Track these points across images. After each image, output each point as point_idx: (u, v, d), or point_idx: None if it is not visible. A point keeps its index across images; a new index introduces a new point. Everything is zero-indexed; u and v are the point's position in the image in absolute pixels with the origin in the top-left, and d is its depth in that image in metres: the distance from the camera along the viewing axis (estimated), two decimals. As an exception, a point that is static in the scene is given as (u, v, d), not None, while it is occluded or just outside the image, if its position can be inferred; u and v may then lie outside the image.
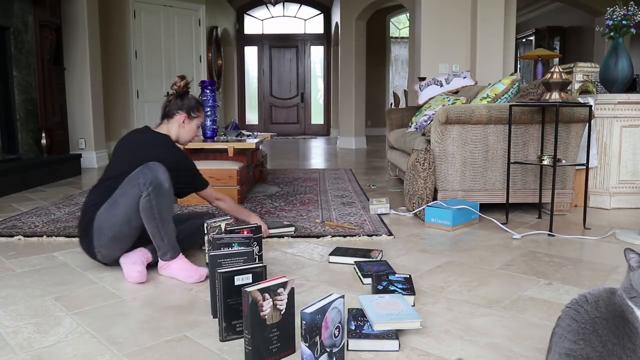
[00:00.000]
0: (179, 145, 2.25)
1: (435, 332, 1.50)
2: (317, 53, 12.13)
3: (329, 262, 2.16)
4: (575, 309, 0.99)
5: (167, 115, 2.21)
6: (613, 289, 1.00)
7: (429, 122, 3.84)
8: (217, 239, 1.83)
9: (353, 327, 1.44)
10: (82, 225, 1.98)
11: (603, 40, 7.46)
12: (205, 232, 2.10)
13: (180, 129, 2.21)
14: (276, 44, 12.06)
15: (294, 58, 12.12)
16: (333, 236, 2.58)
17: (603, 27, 3.36)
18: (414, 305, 1.68)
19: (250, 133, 4.35)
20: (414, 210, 3.04)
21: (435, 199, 3.08)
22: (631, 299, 0.94)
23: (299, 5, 11.90)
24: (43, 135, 4.86)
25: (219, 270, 1.44)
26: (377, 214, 3.10)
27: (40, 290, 1.85)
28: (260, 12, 11.92)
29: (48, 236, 2.59)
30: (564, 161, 2.93)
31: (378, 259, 2.16)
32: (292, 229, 2.65)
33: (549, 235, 2.63)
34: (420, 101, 4.54)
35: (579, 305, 0.99)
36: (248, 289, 1.27)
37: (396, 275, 1.83)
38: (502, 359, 1.34)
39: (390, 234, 2.63)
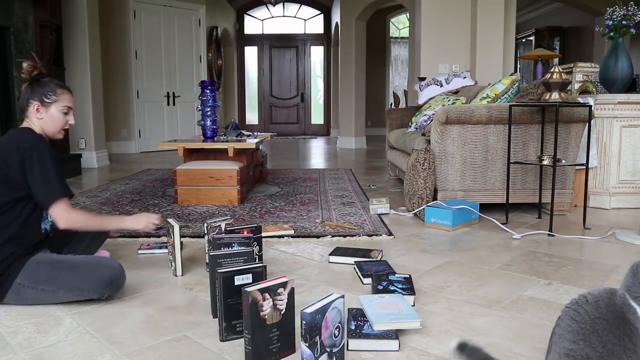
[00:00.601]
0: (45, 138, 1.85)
1: (435, 332, 1.50)
2: (317, 53, 12.13)
3: (329, 262, 2.16)
4: (575, 309, 0.99)
5: (21, 109, 1.84)
6: (613, 289, 0.99)
7: (429, 122, 3.84)
8: (217, 239, 1.83)
9: (353, 327, 1.44)
10: None
11: (603, 40, 7.46)
12: (206, 232, 2.10)
13: (39, 120, 1.82)
14: (276, 44, 12.06)
15: (294, 58, 12.12)
16: (333, 236, 2.58)
17: (603, 27, 3.36)
18: (413, 305, 1.68)
19: (250, 133, 4.35)
20: (414, 210, 3.04)
21: (435, 199, 3.08)
22: (635, 298, 0.94)
23: (299, 5, 11.90)
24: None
25: (219, 270, 1.44)
26: (377, 214, 3.10)
27: (41, 290, 1.85)
28: (260, 12, 11.91)
29: (48, 236, 2.59)
30: (563, 161, 2.93)
31: (378, 259, 2.16)
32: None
33: (549, 235, 2.63)
34: (420, 101, 4.54)
35: (578, 305, 0.99)
36: (248, 289, 1.27)
37: (396, 275, 1.84)
38: (502, 359, 1.34)
39: (390, 234, 2.63)
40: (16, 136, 1.76)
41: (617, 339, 0.93)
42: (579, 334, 0.96)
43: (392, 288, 1.73)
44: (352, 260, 2.13)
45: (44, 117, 1.82)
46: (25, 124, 1.83)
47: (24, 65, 1.80)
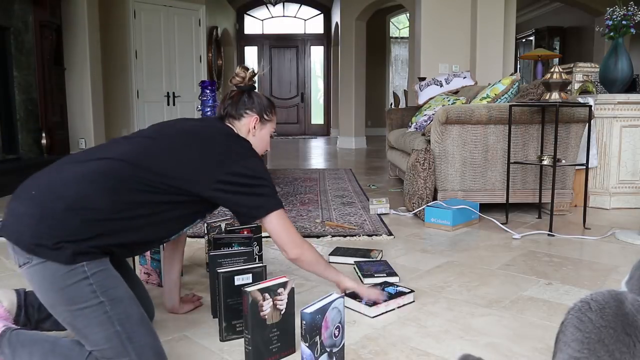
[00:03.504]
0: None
1: (435, 332, 1.50)
2: (317, 53, 12.13)
3: (329, 262, 2.16)
4: (578, 317, 0.95)
5: (231, 115, 1.54)
6: (619, 294, 0.95)
7: (429, 122, 3.84)
8: (217, 239, 1.83)
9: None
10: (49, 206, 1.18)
11: (603, 40, 7.46)
12: (206, 232, 2.10)
13: (250, 135, 1.55)
14: (276, 44, 12.06)
15: (294, 58, 12.12)
16: (333, 236, 2.58)
17: (603, 27, 3.36)
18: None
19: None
20: (414, 210, 3.04)
21: (435, 199, 3.08)
22: None
23: (299, 5, 11.90)
24: (43, 135, 4.87)
25: (219, 270, 1.44)
26: (377, 214, 3.10)
27: (41, 290, 1.85)
28: (260, 12, 11.91)
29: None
30: (563, 161, 2.93)
31: (378, 258, 2.16)
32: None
33: (548, 235, 2.63)
34: (420, 101, 4.54)
35: (581, 313, 0.95)
36: (248, 289, 1.27)
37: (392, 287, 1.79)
38: (502, 359, 1.34)
39: (390, 234, 2.63)
40: (233, 138, 1.44)
41: (627, 347, 0.90)
42: (583, 344, 0.93)
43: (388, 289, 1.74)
44: (352, 260, 2.13)
45: (256, 135, 1.56)
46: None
47: (239, 70, 1.60)
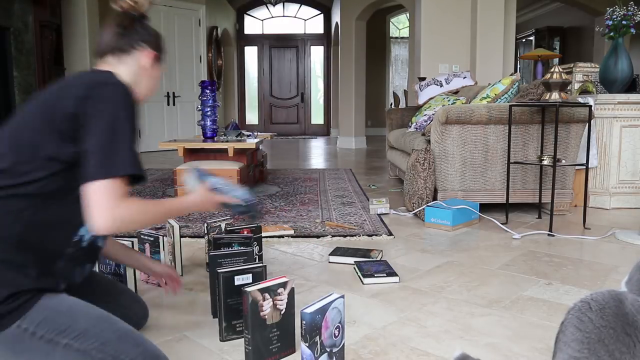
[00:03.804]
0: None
1: (435, 332, 1.50)
2: (317, 53, 12.13)
3: (329, 262, 2.16)
4: (578, 317, 0.96)
5: (118, 48, 1.23)
6: (620, 294, 0.95)
7: (429, 122, 3.84)
8: (217, 239, 1.84)
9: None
10: None
11: (603, 40, 7.46)
12: (206, 232, 2.10)
13: (141, 74, 1.26)
14: (276, 44, 12.06)
15: (294, 58, 12.12)
16: (333, 236, 2.58)
17: (603, 27, 3.36)
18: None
19: (250, 133, 4.35)
20: (414, 210, 3.04)
21: (435, 199, 3.08)
22: None
23: (299, 5, 11.90)
24: (43, 135, 4.87)
25: (219, 270, 1.44)
26: (377, 214, 3.10)
27: (41, 290, 1.85)
28: (260, 12, 11.91)
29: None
30: (563, 161, 2.93)
31: (378, 258, 2.16)
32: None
33: (548, 235, 2.63)
34: (420, 101, 4.54)
35: (581, 313, 0.96)
36: (248, 289, 1.27)
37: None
38: (502, 359, 1.34)
39: (390, 234, 2.63)
40: (91, 75, 1.14)
41: (627, 347, 0.90)
42: (583, 343, 0.93)
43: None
44: (352, 260, 2.13)
45: (149, 74, 1.28)
46: (106, 68, 1.23)
47: None
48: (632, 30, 3.23)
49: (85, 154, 1.04)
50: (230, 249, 1.80)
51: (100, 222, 1.03)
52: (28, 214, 1.04)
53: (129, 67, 1.24)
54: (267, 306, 1.29)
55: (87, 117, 1.05)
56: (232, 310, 1.44)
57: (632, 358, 0.90)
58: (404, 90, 8.47)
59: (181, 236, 2.19)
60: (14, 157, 1.05)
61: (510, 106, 2.87)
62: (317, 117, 12.32)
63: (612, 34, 3.30)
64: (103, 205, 1.03)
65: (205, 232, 2.10)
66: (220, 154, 3.67)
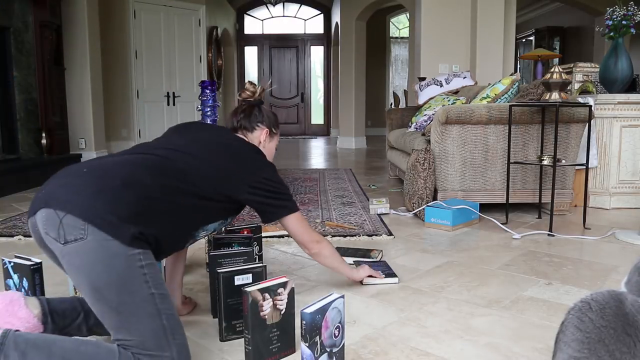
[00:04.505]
0: None
1: (435, 332, 1.50)
2: (317, 53, 12.13)
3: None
4: (578, 317, 0.96)
5: (244, 127, 1.66)
6: (620, 295, 0.95)
7: (429, 122, 3.84)
8: (217, 239, 1.83)
9: None
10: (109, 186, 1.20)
11: (603, 40, 7.46)
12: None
13: (260, 147, 1.65)
14: (276, 44, 12.06)
15: (294, 58, 12.12)
16: (333, 236, 2.58)
17: (603, 27, 3.36)
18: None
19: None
20: (414, 210, 3.04)
21: (435, 199, 3.08)
22: None
23: (299, 5, 11.90)
24: (43, 135, 4.87)
25: (219, 270, 1.44)
26: (377, 214, 3.10)
27: (41, 290, 1.85)
28: (260, 12, 11.91)
29: (48, 236, 2.59)
30: (563, 161, 2.93)
31: (378, 258, 2.16)
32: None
33: (548, 235, 2.63)
34: (420, 101, 4.54)
35: (582, 313, 0.96)
36: (248, 289, 1.27)
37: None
38: (502, 359, 1.34)
39: (390, 234, 2.63)
40: (256, 149, 1.54)
41: (627, 347, 0.90)
42: (583, 343, 0.93)
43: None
44: (351, 260, 2.13)
45: (265, 147, 1.68)
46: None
47: (248, 85, 1.71)
48: (632, 30, 3.23)
49: (261, 202, 1.49)
50: (230, 249, 1.80)
51: (314, 246, 1.64)
52: (182, 204, 1.31)
53: (253, 141, 1.66)
54: (267, 306, 1.29)
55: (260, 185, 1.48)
56: (232, 310, 1.44)
57: (632, 358, 0.90)
58: (404, 90, 8.47)
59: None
60: (210, 181, 1.39)
61: (510, 106, 2.87)
62: (317, 117, 12.32)
63: (612, 34, 3.30)
64: (309, 232, 1.64)
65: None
66: (220, 154, 3.67)
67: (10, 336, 1.09)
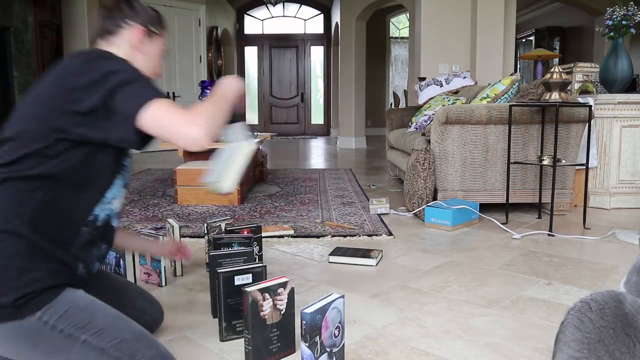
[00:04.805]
0: None
1: (435, 332, 1.50)
2: (317, 53, 12.13)
3: (329, 262, 2.16)
4: (578, 318, 0.96)
5: (105, 32, 1.21)
6: (619, 295, 0.96)
7: (429, 122, 3.84)
8: (217, 239, 1.83)
9: None
10: None
11: (603, 40, 7.46)
12: (206, 232, 2.10)
13: (134, 52, 1.23)
14: (276, 44, 12.06)
15: (294, 58, 12.12)
16: (333, 236, 2.58)
17: (603, 27, 3.36)
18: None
19: (250, 133, 4.34)
20: (414, 210, 3.04)
21: (435, 199, 3.08)
22: None
23: (299, 5, 11.90)
24: (43, 135, 4.86)
25: (219, 270, 1.44)
26: (377, 214, 3.10)
27: (41, 290, 1.85)
28: (260, 12, 11.91)
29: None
30: (563, 161, 2.93)
31: (378, 259, 2.16)
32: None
33: (548, 235, 2.63)
34: (420, 101, 4.54)
35: (581, 313, 0.96)
36: (248, 289, 1.27)
37: None
38: (502, 359, 1.34)
39: (390, 234, 2.63)
40: (85, 53, 1.11)
41: (627, 347, 0.90)
42: (583, 344, 0.93)
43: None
44: (352, 260, 2.13)
45: (143, 52, 1.25)
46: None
47: None
48: (632, 30, 3.23)
49: (112, 105, 1.02)
50: (230, 249, 1.80)
51: (193, 133, 1.02)
52: (40, 194, 1.02)
53: (120, 48, 1.20)
54: (267, 306, 1.29)
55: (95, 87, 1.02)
56: (232, 310, 1.44)
57: (632, 358, 0.90)
58: (404, 90, 8.47)
59: (181, 236, 2.19)
60: (26, 140, 1.03)
61: (510, 106, 2.87)
62: (317, 117, 12.32)
63: (612, 34, 3.30)
64: (180, 119, 1.02)
65: (205, 232, 2.10)
66: (220, 154, 3.67)
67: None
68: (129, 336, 1.06)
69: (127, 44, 1.22)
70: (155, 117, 1.01)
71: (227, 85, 1.23)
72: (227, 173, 1.26)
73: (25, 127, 1.04)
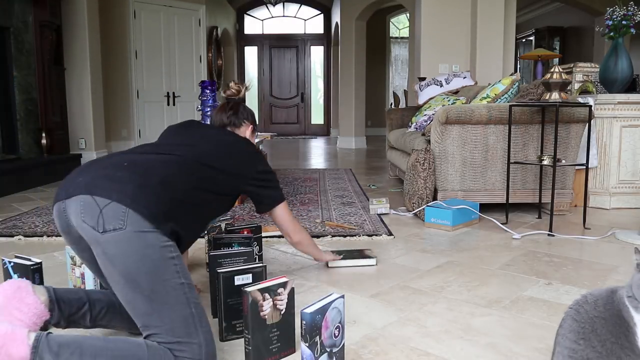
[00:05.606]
0: None
1: (435, 332, 1.50)
2: (317, 53, 12.13)
3: (329, 266, 2.15)
4: (576, 309, 1.01)
5: (232, 124, 1.81)
6: (615, 288, 1.00)
7: (429, 122, 3.84)
8: (217, 239, 1.83)
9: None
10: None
11: (603, 40, 7.46)
12: (206, 232, 2.10)
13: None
14: (276, 44, 12.06)
15: (294, 58, 12.12)
16: (333, 236, 2.58)
17: (603, 27, 3.36)
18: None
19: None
20: (414, 210, 3.04)
21: (435, 199, 3.08)
22: (628, 297, 0.95)
23: (299, 5, 11.90)
24: (43, 135, 4.86)
25: (219, 270, 1.44)
26: (377, 214, 3.10)
27: (41, 290, 1.85)
28: (260, 12, 11.91)
29: (48, 236, 2.59)
30: (563, 161, 2.93)
31: (376, 257, 2.15)
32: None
33: (548, 235, 2.63)
34: (420, 101, 4.54)
35: (579, 305, 1.01)
36: (248, 289, 1.27)
37: None
38: (502, 359, 1.34)
39: (390, 234, 2.63)
40: (251, 150, 1.67)
41: (615, 337, 0.94)
42: (579, 334, 0.97)
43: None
44: (352, 262, 2.11)
45: (251, 140, 1.83)
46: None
47: (233, 84, 1.89)
48: (632, 30, 3.23)
49: (258, 193, 1.69)
50: (230, 249, 1.80)
51: (296, 235, 1.84)
52: (203, 200, 1.41)
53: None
54: (267, 306, 1.29)
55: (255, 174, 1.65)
56: (232, 310, 1.44)
57: (620, 348, 0.93)
58: (404, 90, 8.47)
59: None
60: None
61: (510, 106, 2.87)
62: (317, 117, 12.32)
63: (612, 34, 3.30)
64: (295, 221, 1.84)
65: (205, 232, 2.10)
66: (220, 154, 3.67)
67: (42, 339, 1.10)
68: (201, 305, 1.24)
69: (243, 135, 1.79)
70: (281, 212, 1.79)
71: (321, 258, 2.08)
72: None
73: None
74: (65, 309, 1.31)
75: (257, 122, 1.92)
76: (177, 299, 1.18)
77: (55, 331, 1.22)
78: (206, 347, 1.18)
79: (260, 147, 4.43)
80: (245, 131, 1.83)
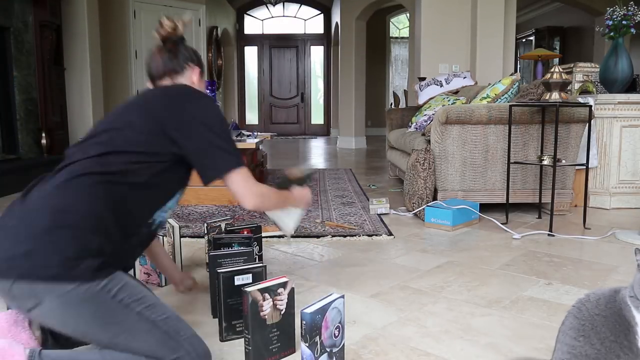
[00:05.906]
0: None
1: (435, 332, 1.50)
2: (317, 53, 12.13)
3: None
4: (578, 307, 1.02)
5: (172, 70, 1.43)
6: (619, 288, 1.01)
7: (429, 122, 3.84)
8: (217, 239, 1.83)
9: None
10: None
11: (603, 40, 7.46)
12: (206, 232, 2.10)
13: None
14: (276, 44, 12.06)
15: (294, 58, 12.12)
16: (333, 236, 2.58)
17: (603, 27, 3.36)
18: None
19: (250, 133, 4.35)
20: (414, 210, 3.04)
21: (435, 199, 3.08)
22: (630, 297, 0.96)
23: (299, 5, 11.90)
24: (43, 135, 4.86)
25: (219, 270, 1.44)
26: (377, 214, 3.10)
27: (40, 290, 1.85)
28: (260, 12, 11.91)
29: (48, 236, 2.59)
30: (564, 161, 2.93)
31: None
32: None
33: (549, 235, 2.63)
34: (420, 101, 4.54)
35: (581, 303, 1.02)
36: (248, 289, 1.27)
37: None
38: (502, 359, 1.34)
39: (390, 233, 2.63)
40: (183, 91, 1.33)
41: (614, 336, 0.95)
42: (579, 331, 0.98)
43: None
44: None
45: (199, 87, 1.45)
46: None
47: (166, 22, 1.49)
48: (632, 30, 3.23)
49: (198, 154, 1.24)
50: (230, 249, 1.80)
51: (251, 199, 1.29)
52: (122, 196, 1.17)
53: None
54: (267, 306, 1.29)
55: (191, 125, 1.25)
56: (232, 310, 1.44)
57: (619, 347, 0.94)
58: (404, 90, 8.47)
59: (181, 236, 2.19)
60: (123, 154, 1.19)
61: (510, 106, 2.87)
62: (317, 117, 12.31)
63: (612, 34, 3.30)
64: (249, 187, 1.29)
65: (205, 232, 2.10)
66: (220, 154, 3.67)
67: (35, 356, 1.08)
68: (173, 315, 1.17)
69: (189, 81, 1.44)
70: (236, 178, 1.30)
71: (300, 199, 1.60)
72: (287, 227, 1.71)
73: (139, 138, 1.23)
74: (59, 335, 1.23)
75: (203, 64, 1.51)
76: (141, 329, 1.10)
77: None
78: (194, 350, 1.15)
79: (259, 147, 4.43)
80: (192, 76, 1.45)
